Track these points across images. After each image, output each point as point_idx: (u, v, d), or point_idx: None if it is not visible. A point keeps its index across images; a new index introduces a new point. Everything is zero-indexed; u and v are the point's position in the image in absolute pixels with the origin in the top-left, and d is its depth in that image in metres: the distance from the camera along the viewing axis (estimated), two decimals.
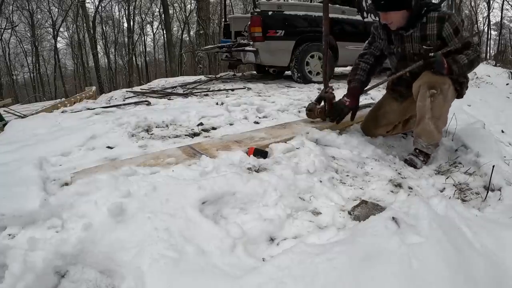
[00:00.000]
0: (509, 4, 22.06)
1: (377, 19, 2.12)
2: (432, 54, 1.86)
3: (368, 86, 2.28)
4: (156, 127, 2.48)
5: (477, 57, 1.92)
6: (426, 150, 2.05)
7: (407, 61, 2.08)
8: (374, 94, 3.55)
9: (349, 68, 6.70)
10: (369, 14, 5.60)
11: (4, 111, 3.95)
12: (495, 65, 10.01)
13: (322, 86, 2.46)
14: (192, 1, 21.32)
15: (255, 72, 7.33)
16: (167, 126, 2.51)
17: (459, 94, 2.11)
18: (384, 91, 2.47)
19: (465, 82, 2.09)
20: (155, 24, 26.32)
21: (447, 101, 1.99)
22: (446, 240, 0.95)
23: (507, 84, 6.07)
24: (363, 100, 2.94)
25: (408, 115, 2.35)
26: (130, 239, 1.10)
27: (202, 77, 6.95)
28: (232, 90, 4.43)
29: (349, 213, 1.43)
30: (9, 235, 1.14)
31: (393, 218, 1.03)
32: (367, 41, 2.29)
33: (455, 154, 2.18)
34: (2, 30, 19.23)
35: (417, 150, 2.07)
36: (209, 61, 18.17)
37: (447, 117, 2.08)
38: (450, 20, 1.90)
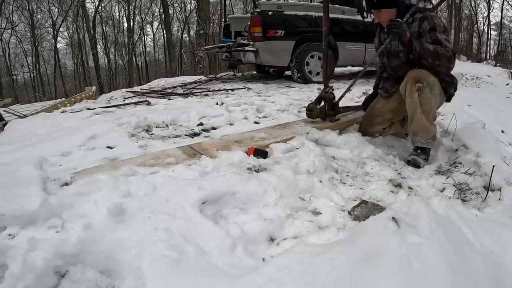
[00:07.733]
0: (509, 4, 22.06)
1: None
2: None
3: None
4: (156, 127, 2.48)
5: (445, 53, 1.94)
6: (426, 145, 2.06)
7: (391, 58, 2.20)
8: None
9: (349, 68, 6.70)
10: (369, 14, 5.59)
11: (4, 111, 3.96)
12: (495, 65, 10.01)
13: (322, 86, 2.46)
14: (192, 1, 21.32)
15: (255, 72, 7.32)
16: (167, 126, 2.51)
17: (448, 97, 2.16)
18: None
19: (451, 83, 2.12)
20: (155, 24, 26.31)
21: (434, 94, 2.01)
22: (446, 240, 0.95)
23: (507, 84, 6.06)
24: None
25: (403, 113, 2.35)
26: (130, 239, 1.10)
27: (202, 77, 6.94)
28: (232, 90, 4.43)
29: (349, 213, 1.43)
30: (9, 235, 1.14)
31: (393, 218, 1.03)
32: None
33: (455, 154, 2.18)
34: (2, 30, 19.21)
35: (418, 150, 2.07)
36: (209, 61, 18.13)
37: (436, 113, 2.12)
38: (430, 20, 2.01)
